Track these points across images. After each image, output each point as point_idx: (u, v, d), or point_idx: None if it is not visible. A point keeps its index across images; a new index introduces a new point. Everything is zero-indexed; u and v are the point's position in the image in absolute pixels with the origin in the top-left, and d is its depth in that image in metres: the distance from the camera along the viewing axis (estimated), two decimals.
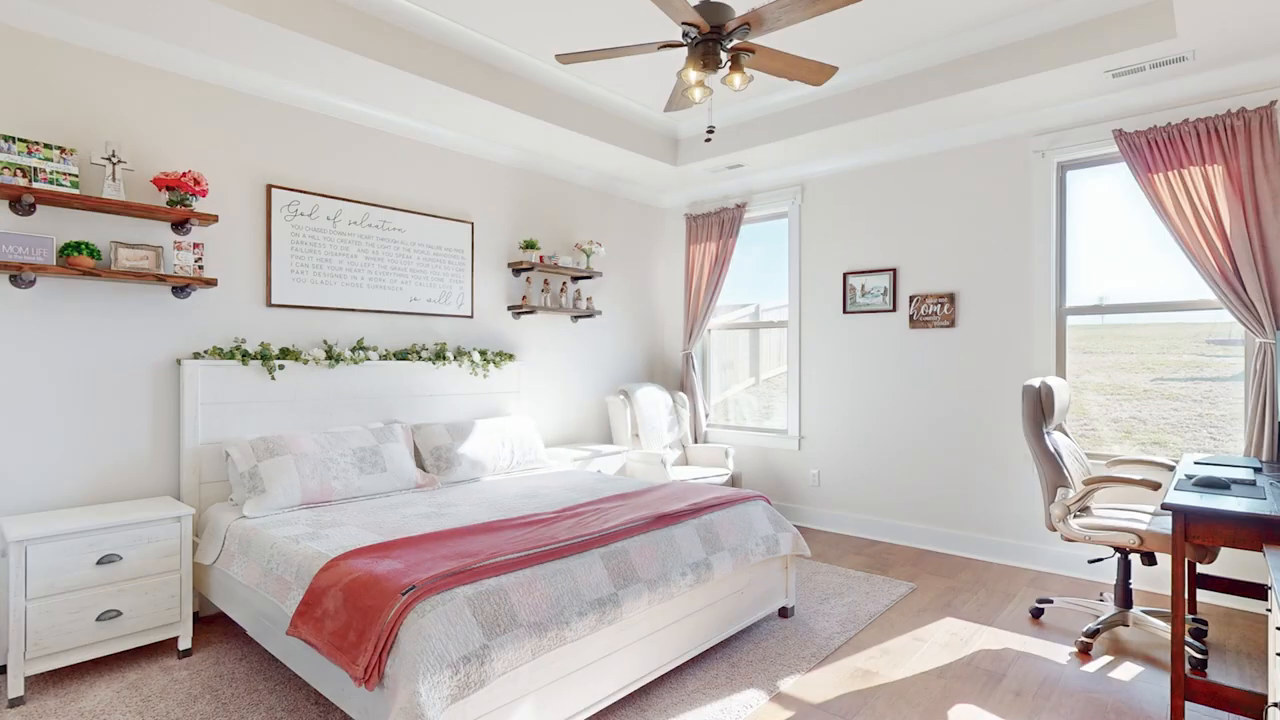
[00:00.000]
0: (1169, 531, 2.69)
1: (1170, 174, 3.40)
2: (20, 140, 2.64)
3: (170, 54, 3.08)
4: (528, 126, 4.06)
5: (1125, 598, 2.98)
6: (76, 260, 2.74)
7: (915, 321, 4.43)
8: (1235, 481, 2.41)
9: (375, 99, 3.65)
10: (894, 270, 4.53)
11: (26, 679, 2.57)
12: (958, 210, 4.26)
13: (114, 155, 2.89)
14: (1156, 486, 2.66)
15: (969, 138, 4.16)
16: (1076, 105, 3.71)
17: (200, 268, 3.11)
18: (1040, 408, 2.99)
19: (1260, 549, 1.95)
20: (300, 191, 3.57)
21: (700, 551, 2.66)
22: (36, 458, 2.80)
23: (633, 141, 4.55)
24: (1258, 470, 2.74)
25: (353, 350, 3.70)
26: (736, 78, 2.65)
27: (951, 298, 4.27)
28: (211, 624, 3.12)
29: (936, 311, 4.33)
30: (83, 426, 2.91)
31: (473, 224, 4.39)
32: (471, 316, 4.39)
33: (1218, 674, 2.67)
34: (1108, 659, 2.80)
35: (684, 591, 2.52)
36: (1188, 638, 2.89)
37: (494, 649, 1.88)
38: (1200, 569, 3.44)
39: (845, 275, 4.76)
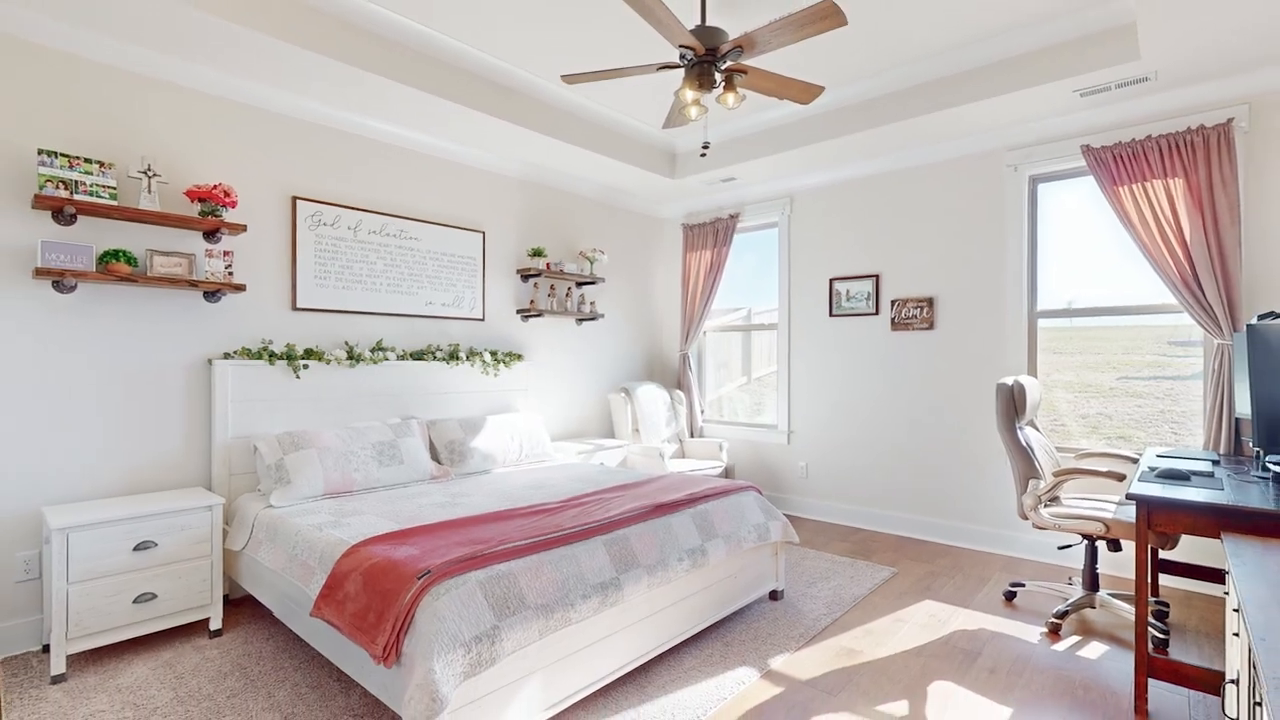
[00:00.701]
0: (1133, 520, 2.69)
1: (1134, 187, 3.40)
2: (62, 155, 2.65)
3: (201, 74, 3.09)
4: (535, 142, 4.06)
5: (1092, 582, 2.99)
6: (115, 267, 2.74)
7: (897, 324, 4.43)
8: (1195, 473, 2.42)
9: (393, 116, 3.66)
10: (877, 276, 4.53)
11: (68, 657, 2.57)
12: (936, 220, 4.26)
13: (149, 169, 2.90)
14: (1121, 478, 2.67)
15: (947, 153, 4.16)
16: (1047, 122, 3.71)
17: (230, 274, 3.12)
18: (1013, 404, 2.99)
19: (1218, 536, 1.95)
20: (323, 203, 3.57)
21: (696, 538, 2.66)
22: (78, 451, 2.80)
23: (633, 156, 4.55)
24: (1216, 463, 2.74)
25: (372, 351, 3.70)
26: (730, 97, 2.66)
27: (930, 302, 4.27)
28: (240, 606, 3.13)
29: (916, 315, 4.33)
30: (120, 422, 2.92)
31: (484, 233, 4.40)
32: (483, 319, 4.40)
33: (1178, 653, 2.67)
34: (1076, 639, 2.80)
35: (681, 576, 2.53)
36: (1150, 619, 2.89)
37: (504, 629, 1.89)
38: (1162, 555, 3.44)
39: (831, 281, 4.76)
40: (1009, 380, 3.01)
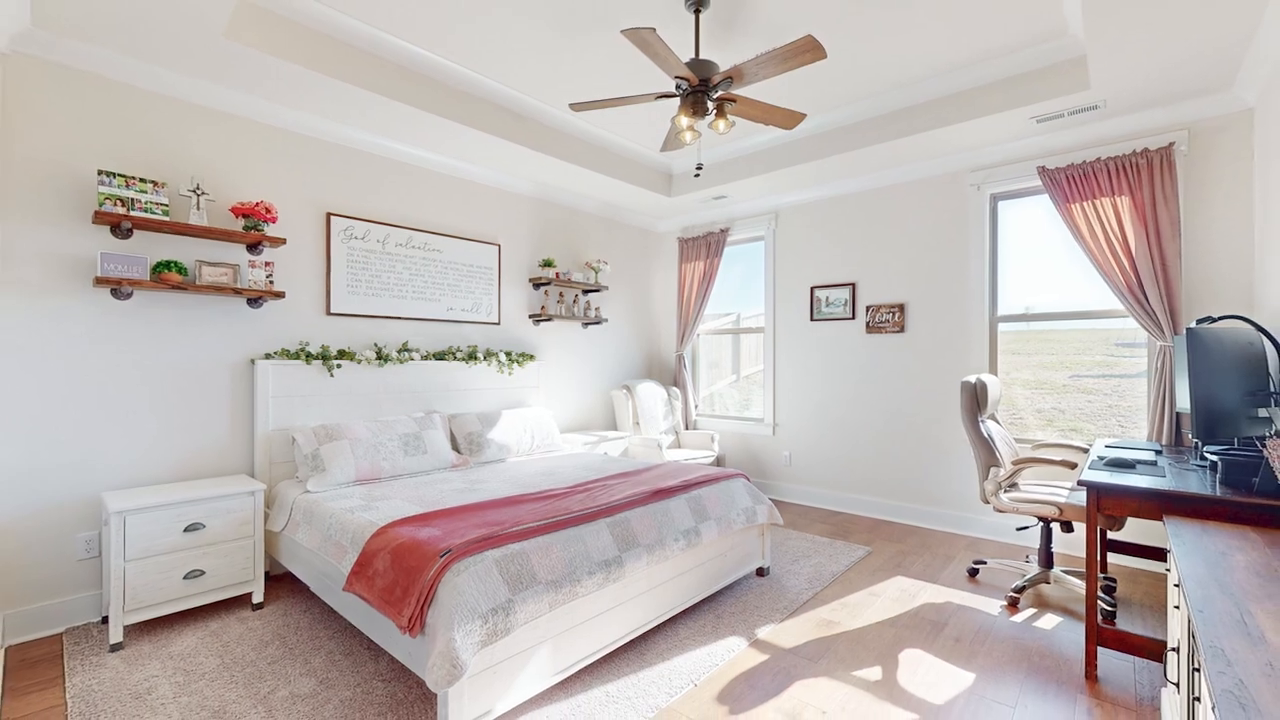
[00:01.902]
0: (1084, 504, 2.69)
1: (1085, 204, 3.40)
2: (120, 175, 2.65)
3: (245, 102, 3.09)
4: (545, 163, 4.06)
5: (1047, 559, 2.99)
6: (167, 276, 2.74)
7: (871, 328, 4.42)
8: (1139, 462, 2.42)
9: (418, 140, 3.66)
10: (853, 284, 4.53)
11: (125, 628, 2.57)
12: (907, 234, 4.26)
13: (198, 188, 2.90)
14: (1073, 466, 2.67)
15: (916, 173, 4.16)
16: (1007, 146, 3.71)
17: (270, 282, 3.12)
18: (976, 400, 2.99)
19: (1160, 518, 1.95)
20: (355, 218, 3.57)
21: (690, 520, 2.66)
22: (133, 442, 2.80)
23: (633, 176, 4.55)
24: (1158, 453, 2.74)
25: (398, 352, 3.70)
26: (721, 123, 2.66)
27: (902, 308, 4.27)
28: (280, 581, 3.13)
29: (889, 319, 4.33)
30: (172, 416, 2.92)
31: (499, 245, 4.39)
32: (498, 323, 4.39)
33: (1125, 624, 2.67)
34: (1032, 611, 2.80)
35: (677, 554, 2.53)
36: (1100, 593, 2.89)
37: (517, 603, 1.89)
38: (1110, 535, 3.44)
39: (812, 289, 4.76)
40: (972, 378, 3.01)
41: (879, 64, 3.20)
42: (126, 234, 2.69)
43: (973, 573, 3.22)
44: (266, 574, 3.16)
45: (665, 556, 2.45)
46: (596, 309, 5.08)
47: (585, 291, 5.03)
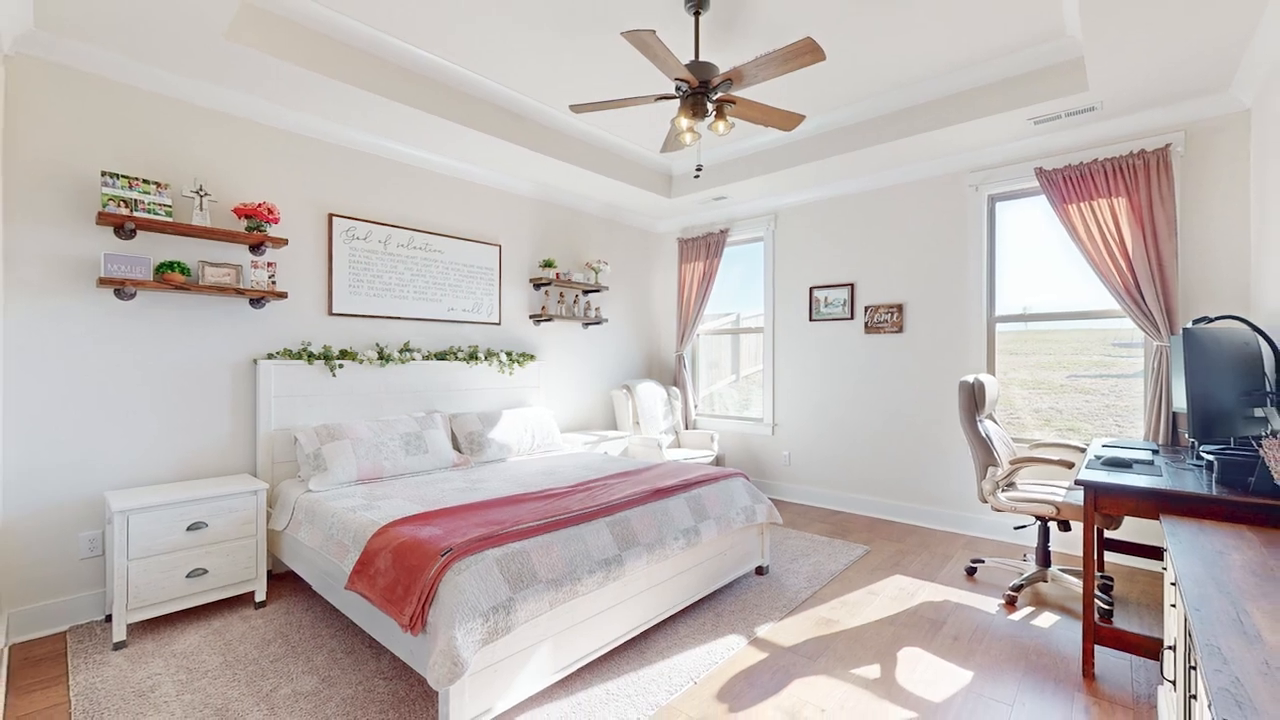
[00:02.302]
0: (1081, 503, 2.69)
1: (1082, 205, 3.40)
2: (123, 177, 2.65)
3: (246, 103, 3.08)
4: (546, 164, 4.06)
5: (1044, 558, 2.99)
6: (170, 277, 2.74)
7: (870, 328, 4.42)
8: (1136, 461, 2.42)
9: (419, 141, 3.65)
10: (852, 285, 4.53)
11: (128, 626, 2.57)
12: (905, 235, 4.26)
13: (201, 189, 2.90)
14: (1070, 465, 2.66)
15: (915, 174, 4.16)
16: (1004, 147, 3.71)
17: (273, 283, 3.12)
18: (974, 400, 2.99)
19: (1157, 517, 1.95)
20: (356, 219, 3.57)
21: (690, 519, 2.66)
22: (136, 441, 2.80)
23: (633, 177, 4.55)
24: (1155, 452, 2.74)
25: (400, 352, 3.70)
26: (720, 124, 2.66)
27: (900, 308, 4.27)
28: (282, 580, 3.13)
29: (888, 320, 4.33)
30: (175, 416, 2.92)
31: (500, 246, 4.39)
32: (499, 323, 4.39)
33: (1122, 622, 2.67)
34: (1030, 609, 2.80)
35: (676, 553, 2.53)
36: (1097, 592, 2.88)
37: (518, 601, 1.89)
38: (1107, 534, 3.44)
39: (811, 289, 4.76)
40: (970, 378, 3.01)
41: (878, 65, 3.20)
42: (130, 235, 2.69)
43: (971, 571, 3.22)
44: (269, 573, 3.16)
45: (665, 555, 2.45)
46: (597, 309, 5.08)
47: (585, 292, 5.03)
